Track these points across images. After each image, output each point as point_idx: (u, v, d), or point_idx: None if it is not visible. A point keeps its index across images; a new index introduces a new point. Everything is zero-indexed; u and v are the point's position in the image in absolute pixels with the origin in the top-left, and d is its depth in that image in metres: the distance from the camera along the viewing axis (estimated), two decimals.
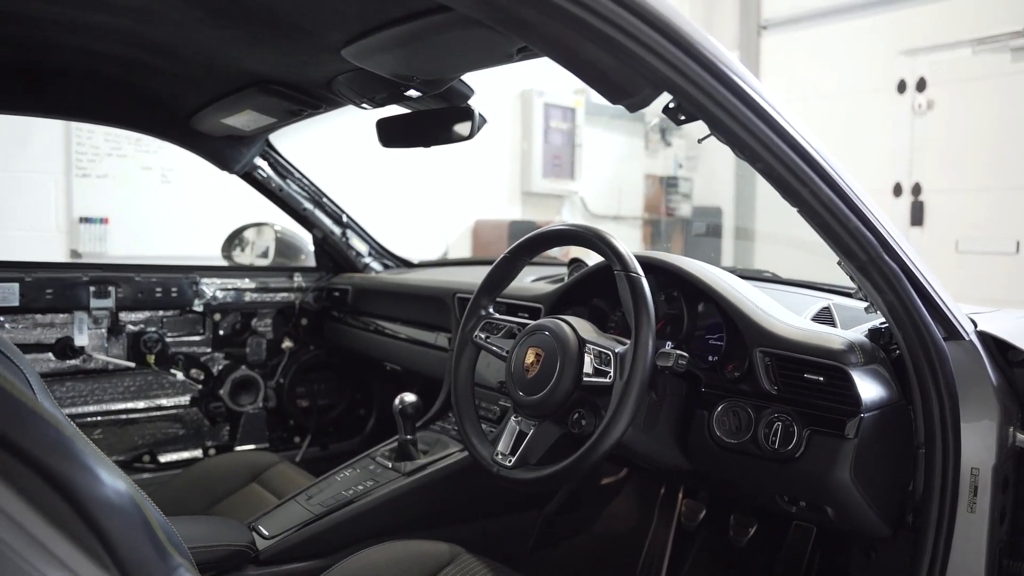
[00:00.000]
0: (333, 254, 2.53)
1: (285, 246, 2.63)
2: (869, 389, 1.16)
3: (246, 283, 2.43)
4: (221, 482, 1.85)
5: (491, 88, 5.33)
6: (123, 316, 2.22)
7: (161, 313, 2.29)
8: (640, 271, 1.19)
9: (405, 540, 1.43)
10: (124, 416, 2.24)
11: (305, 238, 2.63)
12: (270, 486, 1.81)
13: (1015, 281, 4.77)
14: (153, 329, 2.27)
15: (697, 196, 6.65)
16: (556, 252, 2.20)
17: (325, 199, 2.43)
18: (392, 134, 1.68)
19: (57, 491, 0.51)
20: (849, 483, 1.15)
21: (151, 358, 2.24)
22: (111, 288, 2.16)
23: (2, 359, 0.85)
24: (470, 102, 1.58)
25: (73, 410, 2.15)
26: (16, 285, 2.02)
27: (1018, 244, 4.83)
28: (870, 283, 1.10)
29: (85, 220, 4.03)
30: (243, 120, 1.86)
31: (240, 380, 2.42)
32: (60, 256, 3.96)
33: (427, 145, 1.64)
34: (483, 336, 1.39)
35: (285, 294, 2.51)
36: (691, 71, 0.85)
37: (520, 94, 5.74)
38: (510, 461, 1.24)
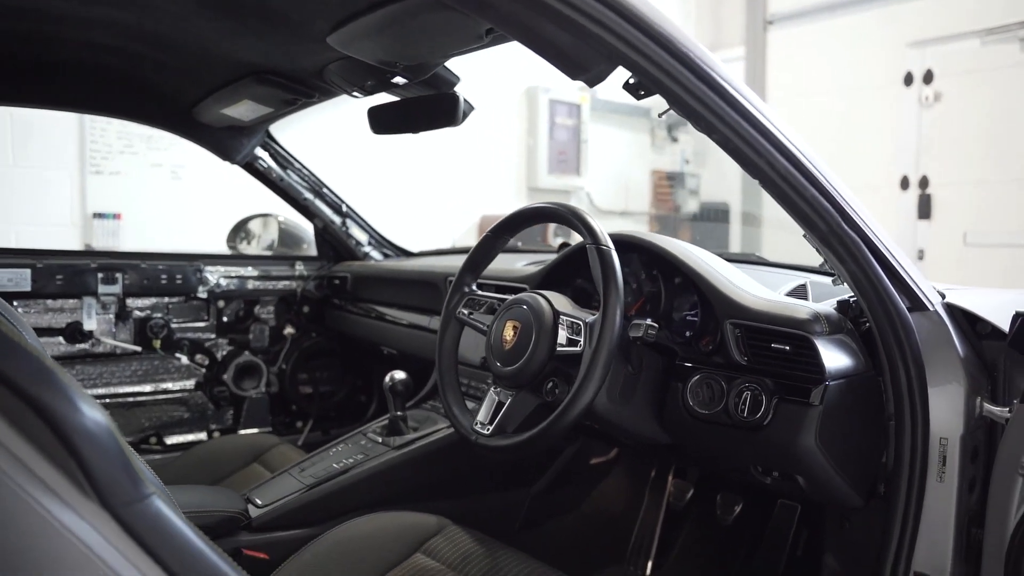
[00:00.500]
0: (334, 243, 2.59)
1: (288, 236, 2.70)
2: (834, 358, 1.19)
3: (249, 271, 2.50)
4: (224, 461, 1.91)
5: (496, 85, 5.37)
6: (130, 302, 2.29)
7: (167, 299, 2.36)
8: (610, 244, 1.23)
9: (393, 511, 1.48)
10: (131, 399, 2.31)
11: (307, 229, 2.69)
12: (271, 465, 1.87)
13: None
14: (159, 315, 2.34)
15: (704, 192, 6.66)
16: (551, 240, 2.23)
17: (325, 189, 2.49)
18: (383, 121, 1.73)
19: (40, 417, 0.56)
20: (815, 449, 1.19)
21: (157, 343, 2.31)
22: (118, 275, 2.23)
23: None
24: (456, 89, 1.63)
25: None
26: (28, 271, 2.10)
27: None
28: (832, 253, 1.13)
29: (98, 216, 4.12)
30: (242, 110, 1.92)
31: (243, 365, 2.49)
32: None
33: (416, 131, 1.69)
34: (466, 312, 1.44)
35: (287, 282, 2.57)
36: (643, 45, 0.89)
37: (525, 91, 5.78)
38: (488, 430, 1.29)
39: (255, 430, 2.50)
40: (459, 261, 2.32)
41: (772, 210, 5.81)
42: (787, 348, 1.21)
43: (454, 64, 1.59)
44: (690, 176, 6.63)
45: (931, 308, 1.21)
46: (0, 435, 0.55)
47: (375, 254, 2.63)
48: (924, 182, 5.34)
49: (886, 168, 5.40)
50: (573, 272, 1.59)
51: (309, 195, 2.45)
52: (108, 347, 2.26)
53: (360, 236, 2.59)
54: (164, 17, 1.42)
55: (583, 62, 0.92)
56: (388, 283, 2.40)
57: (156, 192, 4.27)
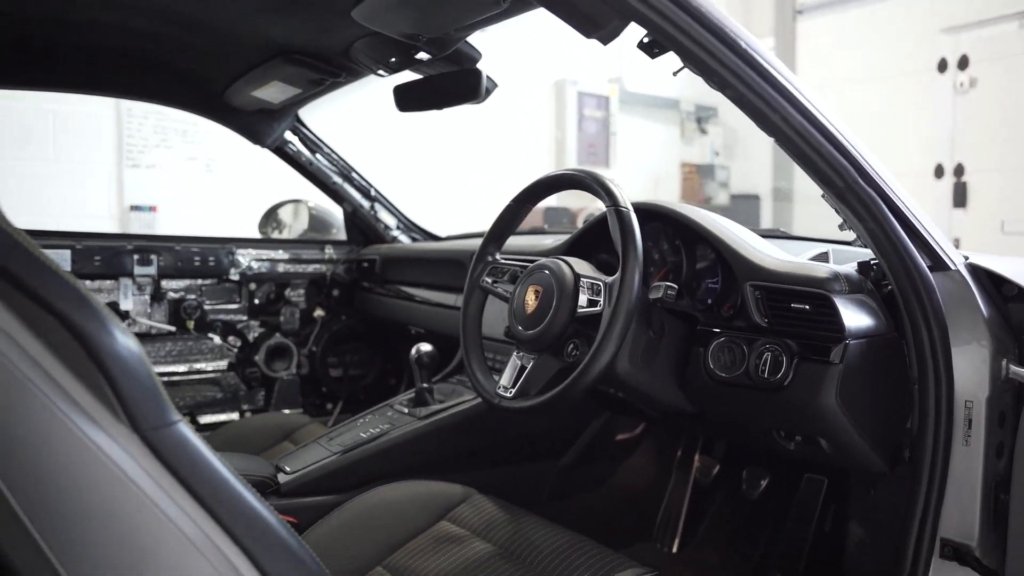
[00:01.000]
0: (362, 227, 2.64)
1: (318, 221, 2.75)
2: (854, 317, 1.19)
3: (280, 254, 2.55)
4: (254, 438, 1.95)
5: (525, 78, 5.40)
6: (164, 284, 2.36)
7: (200, 281, 2.42)
8: (629, 206, 1.24)
9: (419, 480, 1.50)
10: (165, 379, 2.38)
11: (336, 214, 2.74)
12: (301, 443, 1.91)
13: None
14: (193, 297, 2.40)
15: (734, 184, 6.62)
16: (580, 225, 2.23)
17: (354, 173, 2.53)
18: (408, 98, 1.76)
19: (76, 340, 0.60)
20: (835, 408, 1.19)
21: (191, 324, 2.37)
22: (153, 256, 2.30)
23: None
24: (478, 65, 1.65)
25: None
26: (68, 252, 2.19)
27: None
28: (850, 211, 1.13)
29: (135, 208, 4.23)
30: (272, 92, 1.96)
31: (274, 347, 2.54)
32: None
33: (440, 107, 1.72)
34: (489, 281, 1.46)
35: (317, 265, 2.62)
36: (656, 1, 0.91)
37: (554, 83, 5.80)
38: (510, 393, 1.31)
39: (286, 411, 2.55)
40: None
41: (802, 205, 5.75)
42: (807, 307, 1.21)
43: (479, 45, 1.62)
44: (720, 168, 6.60)
45: (953, 268, 1.20)
46: (38, 357, 0.58)
47: (403, 238, 2.67)
48: (959, 170, 5.25)
49: (920, 156, 5.33)
50: (595, 244, 1.61)
51: (338, 179, 2.50)
52: (143, 327, 2.33)
53: (388, 220, 2.64)
54: None
55: (596, 19, 0.94)
56: (416, 264, 2.44)
57: (191, 184, 4.37)
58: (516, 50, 4.84)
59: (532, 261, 1.40)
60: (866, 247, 1.24)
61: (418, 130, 4.93)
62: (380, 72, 1.71)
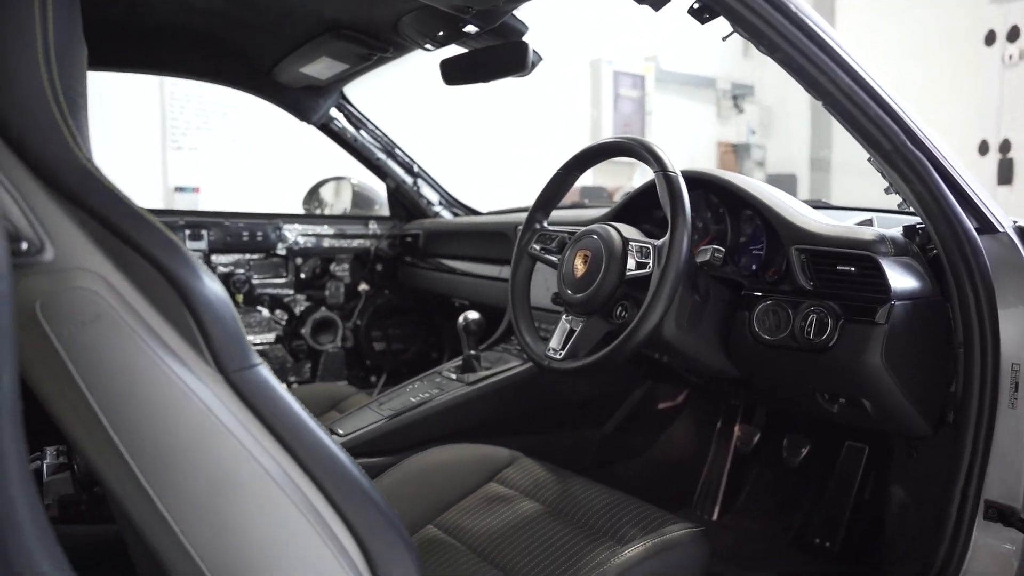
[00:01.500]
0: (405, 203, 2.68)
1: (361, 197, 2.80)
2: (900, 279, 1.21)
3: (325, 230, 2.61)
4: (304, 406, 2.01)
5: (561, 57, 5.39)
6: (214, 259, 2.43)
7: (248, 256, 2.49)
8: (677, 170, 1.27)
9: (468, 444, 1.55)
10: None
11: (379, 191, 2.79)
12: (347, 411, 1.97)
13: None
14: (241, 271, 2.47)
15: (771, 164, 6.56)
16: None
17: (397, 150, 2.57)
18: (454, 72, 1.79)
19: (170, 284, 0.64)
20: (880, 368, 1.20)
21: (240, 297, 2.44)
22: (203, 231, 2.37)
23: None
24: (524, 38, 1.68)
25: None
26: None
27: None
28: (897, 174, 1.15)
29: (179, 189, 4.33)
30: (319, 68, 2.01)
31: (320, 320, 2.61)
32: None
33: (486, 80, 1.74)
34: (537, 248, 1.50)
35: (361, 240, 2.68)
36: None
37: (589, 63, 5.78)
38: (560, 355, 1.34)
39: (332, 383, 2.62)
40: None
41: (840, 180, 5.67)
42: (852, 269, 1.23)
43: (525, 19, 1.64)
44: (756, 147, 6.54)
45: (1001, 230, 1.21)
46: (134, 303, 0.63)
47: (445, 213, 2.71)
48: (1005, 146, 5.15)
49: (964, 132, 5.23)
50: (639, 214, 1.63)
51: (382, 155, 2.54)
52: None
53: (431, 196, 2.68)
54: None
55: None
56: (459, 237, 2.48)
57: (232, 166, 4.46)
58: (552, 29, 4.83)
59: (578, 229, 1.42)
60: (912, 211, 1.25)
61: (458, 112, 4.96)
62: (427, 46, 1.74)
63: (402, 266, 2.72)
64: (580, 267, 1.34)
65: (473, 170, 5.02)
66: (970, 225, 1.18)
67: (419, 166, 2.63)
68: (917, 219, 1.27)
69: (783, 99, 6.21)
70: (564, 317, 1.39)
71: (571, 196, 5.33)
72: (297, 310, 2.60)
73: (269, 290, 2.55)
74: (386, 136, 2.54)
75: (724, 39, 1.08)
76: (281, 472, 0.68)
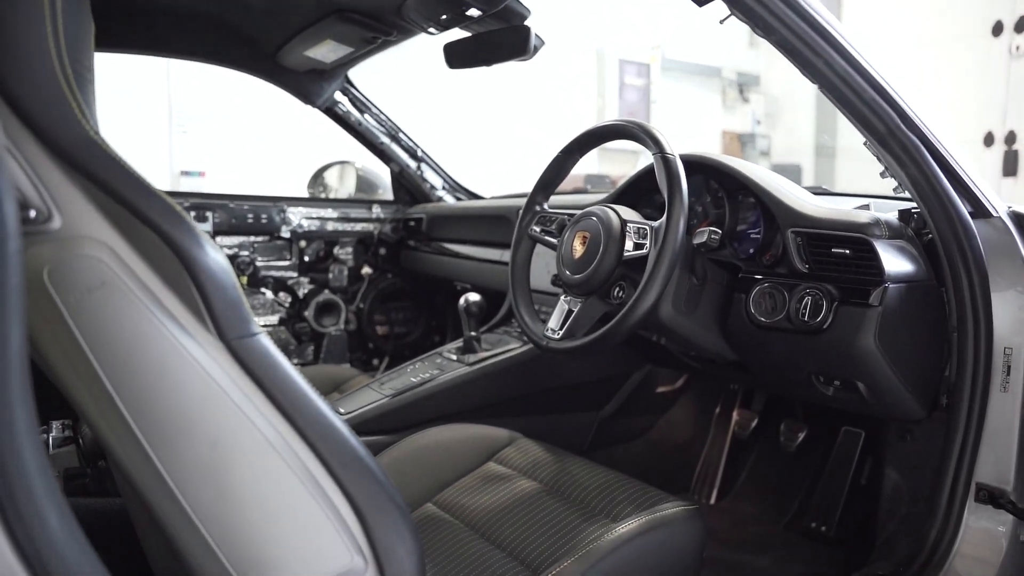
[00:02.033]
0: (409, 187, 2.70)
1: (365, 182, 2.82)
2: (894, 262, 1.22)
3: (329, 213, 2.63)
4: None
5: (567, 46, 5.39)
6: (219, 240, 2.45)
7: (252, 238, 2.51)
8: (675, 152, 1.28)
9: (467, 424, 1.57)
10: None
11: (383, 176, 2.81)
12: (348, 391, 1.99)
13: None
14: (246, 253, 2.49)
15: (775, 153, 6.56)
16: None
17: (401, 134, 2.59)
18: (457, 55, 1.80)
19: (174, 254, 0.66)
20: (874, 350, 1.22)
21: (244, 279, 2.47)
22: (208, 213, 2.39)
23: None
24: (527, 23, 1.69)
25: None
26: None
27: None
28: (892, 157, 1.16)
29: (185, 173, 4.36)
30: (324, 51, 2.02)
31: (323, 303, 2.63)
32: None
33: (489, 64, 1.75)
34: (537, 230, 1.51)
35: (364, 224, 2.70)
36: None
37: (595, 51, 5.78)
38: (558, 335, 1.36)
39: (335, 365, 2.65)
40: None
41: (844, 170, 5.67)
42: (847, 252, 1.24)
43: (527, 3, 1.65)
44: (761, 137, 6.53)
45: (995, 215, 1.22)
46: (137, 270, 0.65)
47: (448, 198, 2.73)
48: (1011, 137, 5.14)
49: (969, 123, 5.21)
50: (639, 198, 1.64)
51: (386, 139, 2.56)
52: None
53: (434, 180, 2.69)
54: None
55: None
56: (461, 221, 2.50)
57: (236, 151, 4.48)
58: (558, 17, 4.83)
59: (578, 211, 1.44)
60: (907, 194, 1.26)
61: (466, 99, 4.96)
62: (431, 30, 1.75)
63: (405, 250, 2.74)
64: (579, 248, 1.36)
65: (481, 156, 5.04)
66: (964, 209, 1.19)
67: (423, 150, 2.65)
68: (913, 204, 1.28)
69: (789, 89, 6.21)
70: (563, 298, 1.40)
71: (575, 183, 5.35)
72: (301, 293, 2.62)
73: (273, 272, 2.57)
74: (390, 120, 2.56)
75: (721, 22, 1.09)
76: (280, 440, 0.69)
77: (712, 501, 2.03)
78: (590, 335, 1.30)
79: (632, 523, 1.11)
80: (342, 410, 1.65)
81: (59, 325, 0.63)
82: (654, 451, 2.10)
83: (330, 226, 2.64)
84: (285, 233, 2.55)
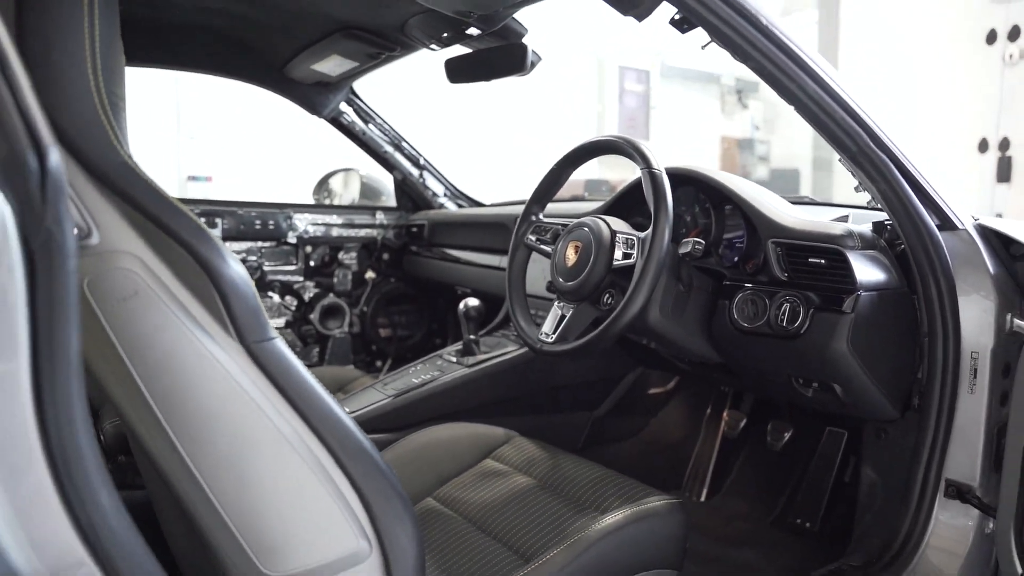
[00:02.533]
0: (411, 194, 2.78)
1: (368, 188, 2.91)
2: (866, 271, 1.30)
3: (333, 219, 2.72)
4: None
5: (568, 52, 5.47)
6: (228, 246, 2.53)
7: (260, 244, 2.59)
8: (662, 169, 1.36)
9: (466, 423, 1.64)
10: None
11: (386, 183, 2.89)
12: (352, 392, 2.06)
13: None
14: (253, 258, 2.58)
15: (774, 159, 6.63)
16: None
17: (404, 143, 2.67)
18: (458, 71, 1.88)
19: (199, 264, 0.74)
20: (846, 353, 1.30)
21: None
22: (218, 220, 2.47)
23: None
24: (524, 40, 1.77)
25: None
26: None
27: None
28: (864, 173, 1.24)
29: (192, 178, 4.44)
30: (330, 65, 2.10)
31: (328, 307, 2.71)
32: None
33: (488, 79, 1.84)
34: (533, 239, 1.59)
35: (368, 230, 2.78)
36: None
37: (595, 57, 5.86)
38: (551, 339, 1.44)
39: (339, 367, 2.73)
40: None
41: (841, 179, 5.73)
42: (823, 262, 1.32)
43: (525, 20, 1.73)
44: (760, 143, 6.60)
45: (961, 227, 1.30)
46: (166, 281, 0.73)
47: (450, 205, 2.81)
48: (1005, 144, 5.19)
49: (964, 130, 5.27)
50: (631, 208, 1.72)
51: (389, 148, 2.64)
52: None
53: (436, 187, 2.77)
54: None
55: None
56: (462, 228, 2.58)
57: (243, 157, 4.57)
58: (559, 24, 4.91)
59: (571, 221, 1.51)
60: (880, 208, 1.34)
61: (470, 107, 5.04)
62: (432, 46, 1.83)
63: (407, 255, 2.83)
64: (571, 257, 1.44)
65: (484, 163, 5.12)
66: (931, 222, 1.27)
67: (425, 159, 2.73)
68: (886, 216, 1.35)
69: None
70: (556, 303, 1.48)
71: (575, 188, 5.43)
72: (306, 296, 2.70)
73: (280, 277, 2.65)
74: (393, 130, 2.64)
75: (703, 48, 1.17)
76: (295, 434, 0.77)
77: (703, 499, 2.10)
78: (581, 339, 1.38)
79: (618, 515, 1.18)
80: (347, 409, 1.73)
81: (97, 330, 0.71)
82: (647, 450, 2.17)
83: (335, 232, 2.72)
84: (291, 239, 2.64)
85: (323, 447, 0.80)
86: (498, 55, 1.78)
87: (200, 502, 0.74)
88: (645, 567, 1.17)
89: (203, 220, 2.40)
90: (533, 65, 1.78)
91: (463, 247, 2.53)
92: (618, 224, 1.43)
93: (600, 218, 1.44)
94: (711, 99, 6.48)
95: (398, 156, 2.67)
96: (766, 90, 1.15)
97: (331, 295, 2.73)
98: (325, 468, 0.80)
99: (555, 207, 1.83)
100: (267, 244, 2.62)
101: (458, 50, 1.84)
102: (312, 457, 0.79)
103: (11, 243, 0.46)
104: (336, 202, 2.92)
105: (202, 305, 0.74)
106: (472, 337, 1.89)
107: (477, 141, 5.24)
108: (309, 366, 2.68)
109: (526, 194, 1.69)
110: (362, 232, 2.78)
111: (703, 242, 1.37)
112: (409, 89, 4.60)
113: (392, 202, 2.88)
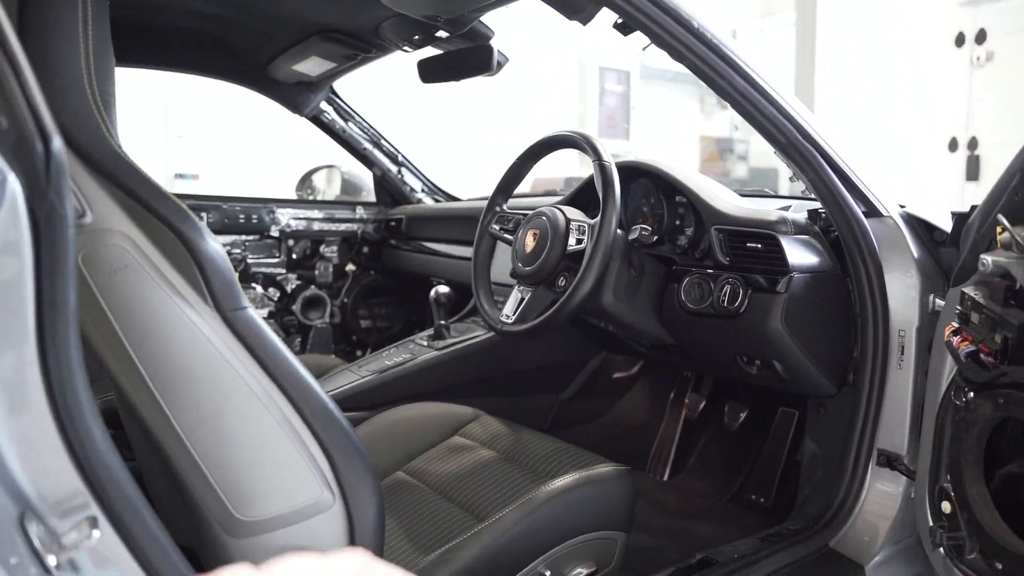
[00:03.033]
0: (390, 190, 2.88)
1: (349, 184, 3.01)
2: (798, 254, 1.41)
3: (315, 214, 2.82)
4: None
5: (547, 53, 5.57)
6: None
7: (244, 237, 2.69)
8: (611, 161, 1.47)
9: (436, 402, 1.74)
10: None
11: (366, 179, 2.99)
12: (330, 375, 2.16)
13: None
14: (238, 251, 2.67)
15: (753, 158, 6.75)
16: None
17: (383, 140, 2.77)
18: (430, 71, 1.98)
19: (180, 241, 0.84)
20: (781, 331, 1.41)
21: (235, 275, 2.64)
22: (203, 213, 2.56)
23: None
24: (491, 42, 1.87)
25: None
26: None
27: None
28: (795, 164, 1.35)
29: (179, 176, 4.53)
30: (309, 66, 2.20)
31: (310, 298, 2.81)
32: None
33: (457, 79, 1.94)
34: (497, 228, 1.70)
35: (348, 224, 2.88)
36: None
37: (576, 58, 5.97)
38: (511, 320, 1.55)
39: (320, 356, 2.82)
40: None
41: None
42: (759, 246, 1.44)
43: (502, 21, 1.82)
44: (739, 142, 6.72)
45: (886, 214, 1.41)
46: (151, 256, 0.82)
47: (427, 200, 2.91)
48: (973, 143, 5.35)
49: (934, 129, 5.42)
50: (592, 200, 1.82)
51: (368, 145, 2.74)
52: None
53: (414, 183, 2.88)
54: None
55: (575, 4, 1.16)
56: (438, 221, 2.69)
57: (229, 155, 4.65)
58: (541, 27, 5.01)
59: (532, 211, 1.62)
60: (814, 197, 1.45)
61: (451, 109, 5.13)
62: (405, 48, 1.93)
63: (386, 248, 2.93)
64: (530, 243, 1.55)
65: (470, 162, 5.21)
66: (858, 209, 1.38)
67: (403, 156, 2.83)
68: (819, 204, 1.46)
69: None
70: (516, 287, 1.59)
71: (554, 184, 5.52)
72: (289, 288, 2.80)
73: (263, 269, 2.75)
74: (372, 128, 2.74)
75: (644, 49, 1.28)
76: (265, 394, 0.87)
77: (666, 478, 2.20)
78: (536, 319, 1.49)
79: (567, 479, 1.27)
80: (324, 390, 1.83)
81: (91, 299, 0.81)
82: (612, 432, 2.28)
83: (316, 226, 2.82)
84: (274, 232, 2.73)
85: (291, 406, 0.89)
86: (467, 56, 1.88)
87: (181, 455, 0.84)
88: (594, 528, 1.26)
89: None
90: (500, 66, 1.89)
91: (439, 240, 2.63)
92: (573, 213, 1.54)
93: (557, 208, 1.55)
94: (691, 100, 6.61)
95: (377, 153, 2.77)
96: None
97: (313, 287, 2.83)
98: (293, 425, 0.89)
99: (530, 201, 1.93)
100: (251, 237, 2.71)
101: (431, 52, 1.95)
102: (281, 415, 0.88)
103: (21, 214, 0.56)
104: (318, 197, 3.01)
105: (183, 277, 0.83)
106: (443, 322, 2.00)
107: (462, 141, 5.34)
108: None
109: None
110: (343, 226, 2.87)
111: (650, 228, 1.48)
112: (396, 93, 4.70)
113: (372, 197, 2.97)
